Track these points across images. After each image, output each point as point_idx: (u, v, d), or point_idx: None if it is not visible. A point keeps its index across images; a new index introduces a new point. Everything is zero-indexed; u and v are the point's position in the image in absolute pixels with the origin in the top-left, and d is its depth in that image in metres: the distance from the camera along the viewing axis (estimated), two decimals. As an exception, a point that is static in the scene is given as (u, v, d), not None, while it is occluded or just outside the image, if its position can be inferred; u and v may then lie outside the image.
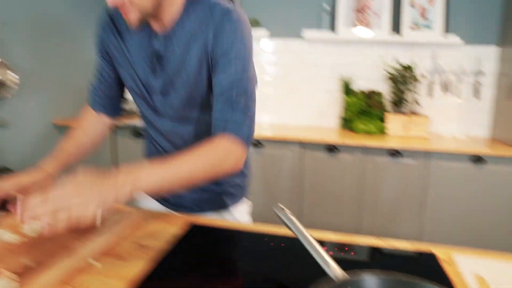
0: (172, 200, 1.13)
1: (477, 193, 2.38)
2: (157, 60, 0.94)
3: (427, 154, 2.39)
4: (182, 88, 0.94)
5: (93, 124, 1.12)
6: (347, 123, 2.85)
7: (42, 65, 2.66)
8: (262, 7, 2.94)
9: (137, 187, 0.75)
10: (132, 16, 0.84)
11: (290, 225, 0.72)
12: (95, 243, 0.79)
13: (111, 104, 1.11)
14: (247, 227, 0.99)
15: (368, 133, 2.66)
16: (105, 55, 1.05)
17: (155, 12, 0.87)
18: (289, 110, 3.07)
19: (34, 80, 2.59)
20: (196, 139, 1.01)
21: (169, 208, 1.15)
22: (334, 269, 0.64)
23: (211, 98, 0.95)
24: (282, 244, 0.88)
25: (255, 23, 2.86)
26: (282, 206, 0.75)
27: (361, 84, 2.92)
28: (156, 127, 1.05)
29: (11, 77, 2.32)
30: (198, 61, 0.91)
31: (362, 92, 2.82)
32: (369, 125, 2.68)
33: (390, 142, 2.45)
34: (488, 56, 2.78)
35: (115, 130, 2.76)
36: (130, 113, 3.19)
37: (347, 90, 2.84)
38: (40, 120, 2.72)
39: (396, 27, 2.80)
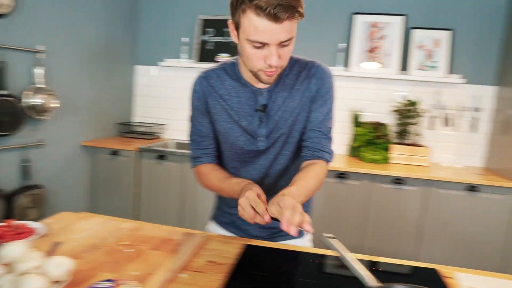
0: (242, 229, 1.32)
1: (471, 219, 2.61)
2: (264, 111, 1.16)
3: (427, 182, 2.62)
4: (286, 129, 1.17)
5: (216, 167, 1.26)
6: (355, 152, 3.09)
7: (77, 92, 2.90)
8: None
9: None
10: (273, 77, 1.05)
11: (337, 249, 0.93)
12: (178, 260, 1.00)
13: (214, 153, 1.27)
14: (291, 247, 1.20)
15: (375, 161, 2.89)
16: (205, 114, 1.21)
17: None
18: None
19: (69, 105, 2.83)
20: (283, 172, 1.24)
21: (237, 235, 1.33)
22: (371, 279, 0.85)
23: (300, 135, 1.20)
24: (317, 261, 1.09)
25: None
26: (328, 234, 0.96)
27: (369, 117, 3.17)
28: (250, 166, 1.24)
29: (53, 102, 2.54)
30: (300, 107, 1.16)
31: (370, 124, 3.07)
32: (376, 154, 2.91)
33: (394, 171, 2.68)
34: (486, 94, 3.04)
35: (141, 153, 2.98)
36: (154, 137, 3.42)
37: (356, 121, 3.09)
38: (71, 142, 2.94)
39: (404, 66, 3.07)
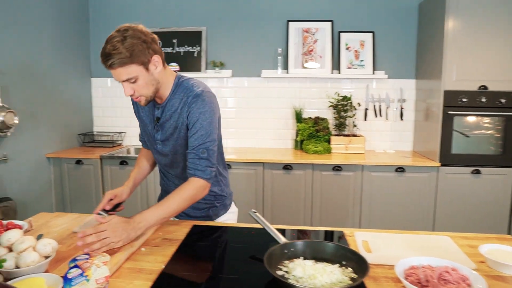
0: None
1: (400, 195, 3.04)
2: (158, 122, 1.51)
3: (361, 167, 3.03)
4: (171, 142, 1.50)
5: (149, 155, 1.76)
6: (299, 145, 3.46)
7: (36, 107, 3.09)
8: (227, 51, 3.55)
9: (148, 226, 1.29)
10: (142, 102, 1.42)
11: (260, 221, 1.26)
12: (140, 240, 1.30)
13: (145, 143, 1.75)
14: (229, 224, 1.52)
15: (317, 152, 3.27)
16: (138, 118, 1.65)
17: (155, 95, 1.44)
18: (250, 136, 3.65)
19: (30, 120, 3.02)
20: (183, 174, 1.55)
21: (178, 217, 1.65)
22: (281, 238, 1.19)
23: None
24: (253, 232, 1.42)
25: (221, 65, 3.44)
26: (254, 210, 1.29)
27: (309, 112, 3.55)
28: (160, 164, 1.64)
29: (13, 119, 2.72)
30: (179, 127, 1.47)
31: (311, 119, 3.44)
32: (318, 146, 3.29)
33: (334, 159, 3.06)
34: (408, 86, 3.49)
35: (103, 159, 3.20)
36: (116, 145, 3.64)
37: (298, 117, 3.46)
38: (35, 154, 3.12)
39: (336, 66, 3.46)
